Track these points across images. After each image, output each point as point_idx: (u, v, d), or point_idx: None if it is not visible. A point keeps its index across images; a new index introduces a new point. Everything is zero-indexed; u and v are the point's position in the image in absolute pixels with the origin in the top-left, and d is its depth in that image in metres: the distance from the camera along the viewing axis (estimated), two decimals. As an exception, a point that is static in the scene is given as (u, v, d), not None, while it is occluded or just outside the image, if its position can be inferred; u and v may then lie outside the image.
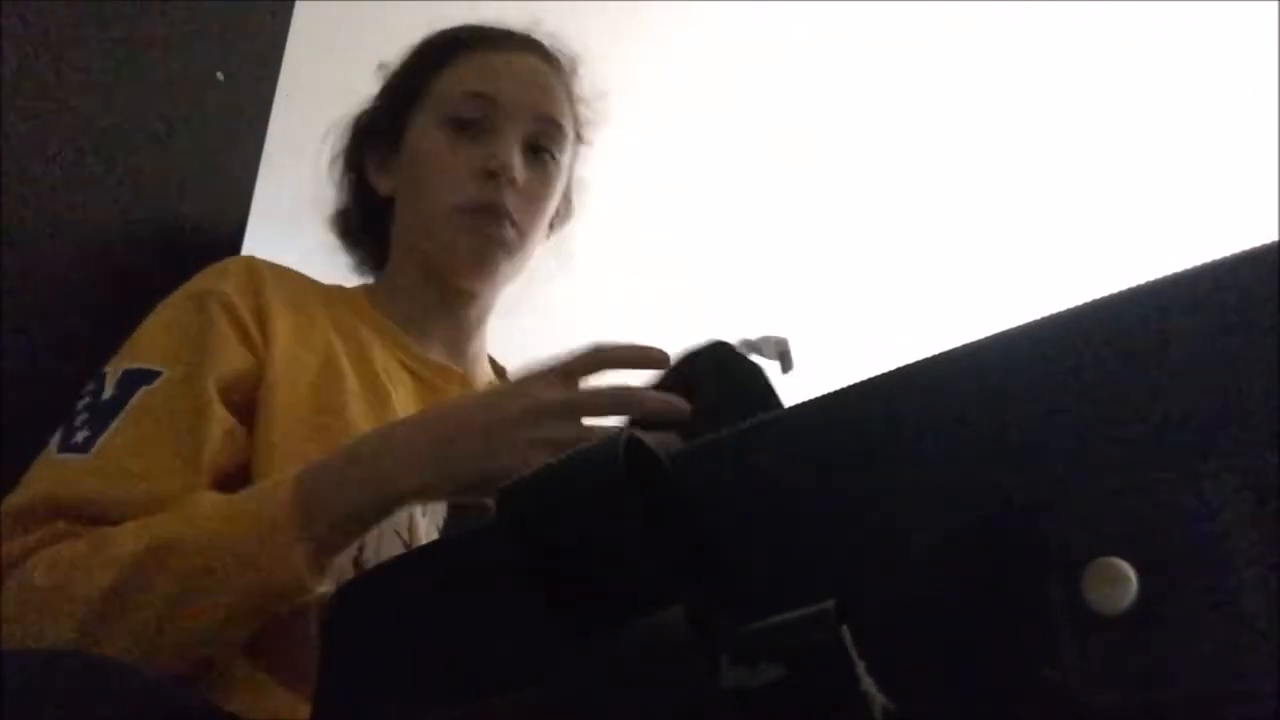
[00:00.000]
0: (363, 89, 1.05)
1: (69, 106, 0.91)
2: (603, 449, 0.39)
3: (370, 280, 1.07)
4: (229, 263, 0.92)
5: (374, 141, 1.04)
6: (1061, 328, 0.36)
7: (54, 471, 0.76)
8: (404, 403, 0.93)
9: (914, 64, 1.98)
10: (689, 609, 0.35)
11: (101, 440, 0.76)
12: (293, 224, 1.09)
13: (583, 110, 1.06)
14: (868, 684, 0.32)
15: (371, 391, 0.89)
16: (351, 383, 0.88)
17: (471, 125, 0.96)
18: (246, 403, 0.82)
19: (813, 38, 1.90)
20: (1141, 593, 0.30)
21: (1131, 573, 0.30)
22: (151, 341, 0.83)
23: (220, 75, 1.05)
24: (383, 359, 0.94)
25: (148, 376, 0.80)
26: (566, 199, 1.08)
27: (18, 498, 0.74)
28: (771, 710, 0.33)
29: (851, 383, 0.40)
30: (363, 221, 1.06)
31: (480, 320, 1.04)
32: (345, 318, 0.95)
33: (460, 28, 1.03)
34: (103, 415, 0.78)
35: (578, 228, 1.11)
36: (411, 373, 0.96)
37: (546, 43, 1.04)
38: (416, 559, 0.57)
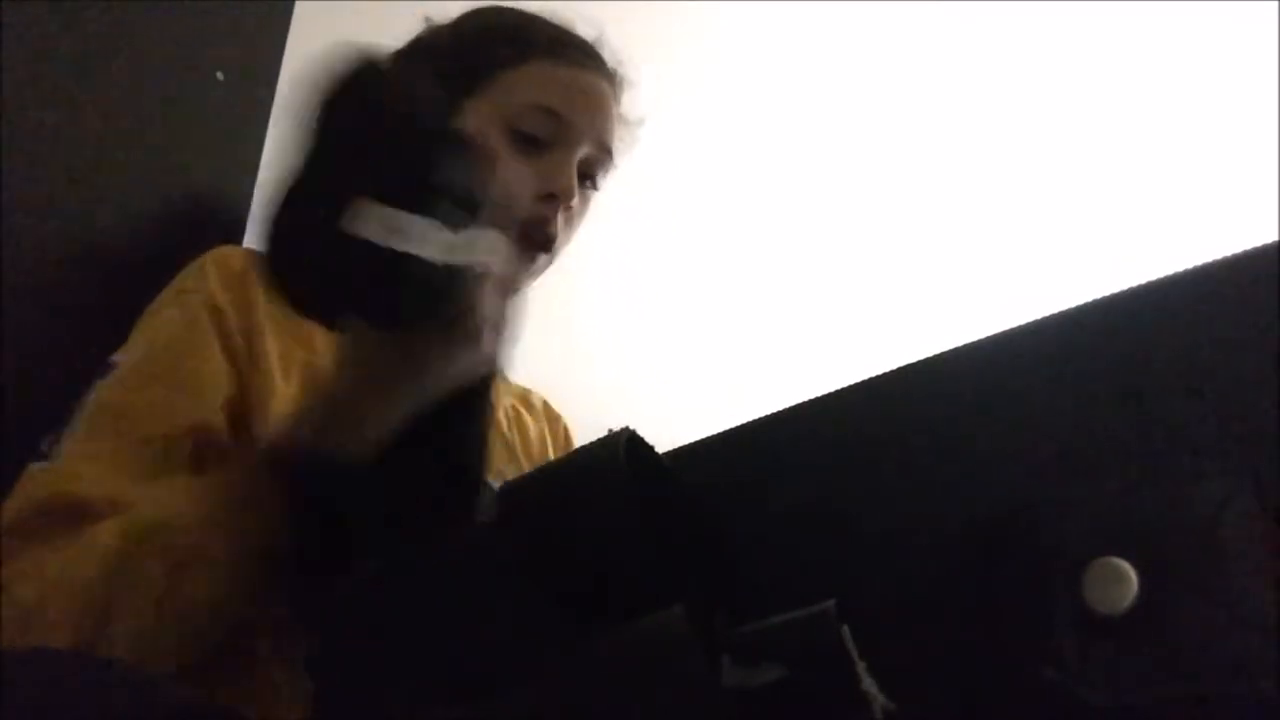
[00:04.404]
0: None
1: (69, 106, 0.90)
2: (603, 449, 0.39)
3: None
4: (209, 261, 0.87)
5: None
6: (1061, 327, 0.36)
7: (32, 483, 0.74)
8: None
9: (913, 64, 1.98)
10: (689, 609, 0.35)
11: (68, 437, 0.75)
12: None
13: (624, 135, 1.04)
14: (868, 684, 0.32)
15: None
16: None
17: (534, 140, 0.94)
18: (234, 415, 0.81)
19: (810, 38, 1.91)
20: (1141, 593, 0.30)
21: (1131, 573, 0.30)
22: (130, 343, 0.82)
23: (220, 75, 1.05)
24: None
25: (107, 369, 0.79)
26: None
27: (5, 515, 0.72)
28: (771, 710, 0.33)
29: (851, 383, 0.40)
30: None
31: None
32: None
33: (532, 24, 1.00)
34: (74, 413, 0.77)
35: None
36: None
37: (609, 61, 1.02)
38: (416, 559, 0.57)
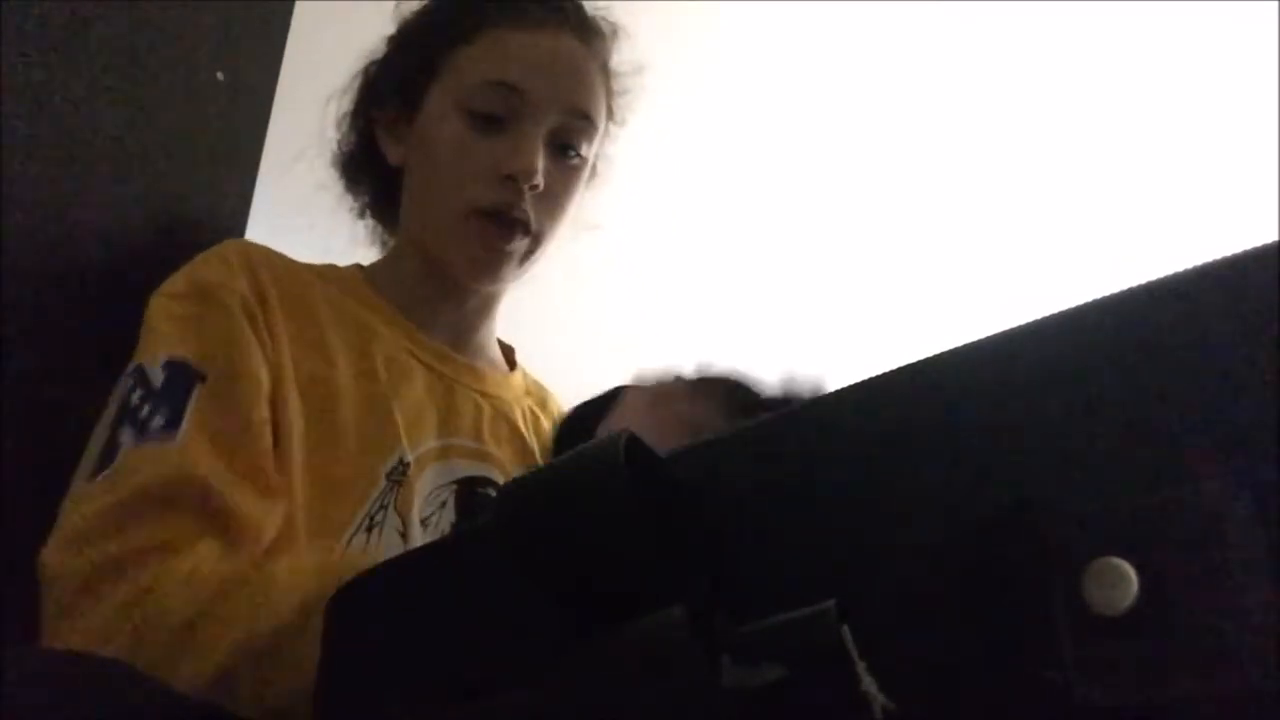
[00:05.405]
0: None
1: (69, 107, 0.90)
2: (603, 448, 0.39)
3: (370, 243, 1.05)
4: (231, 254, 0.87)
5: (383, 101, 0.96)
6: (1061, 328, 0.36)
7: (149, 461, 0.73)
8: (419, 394, 0.91)
9: (914, 64, 1.98)
10: (689, 609, 0.35)
11: (184, 429, 0.74)
12: (292, 225, 1.09)
13: (618, 89, 0.96)
14: (868, 684, 0.32)
15: (366, 399, 0.87)
16: (346, 405, 0.85)
17: (493, 118, 0.88)
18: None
19: (812, 39, 1.90)
20: (1141, 593, 0.30)
21: (1131, 573, 0.30)
22: (181, 334, 0.80)
23: (220, 75, 1.05)
24: (388, 350, 0.91)
25: (196, 375, 0.78)
26: (591, 172, 0.99)
27: (110, 494, 0.71)
28: (771, 710, 0.33)
29: (851, 383, 0.40)
30: (371, 178, 1.01)
31: (487, 308, 1.00)
32: (347, 306, 0.92)
33: None
34: (169, 402, 0.76)
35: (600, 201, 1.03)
36: (420, 361, 0.93)
37: (580, 11, 0.94)
38: (416, 559, 0.57)
